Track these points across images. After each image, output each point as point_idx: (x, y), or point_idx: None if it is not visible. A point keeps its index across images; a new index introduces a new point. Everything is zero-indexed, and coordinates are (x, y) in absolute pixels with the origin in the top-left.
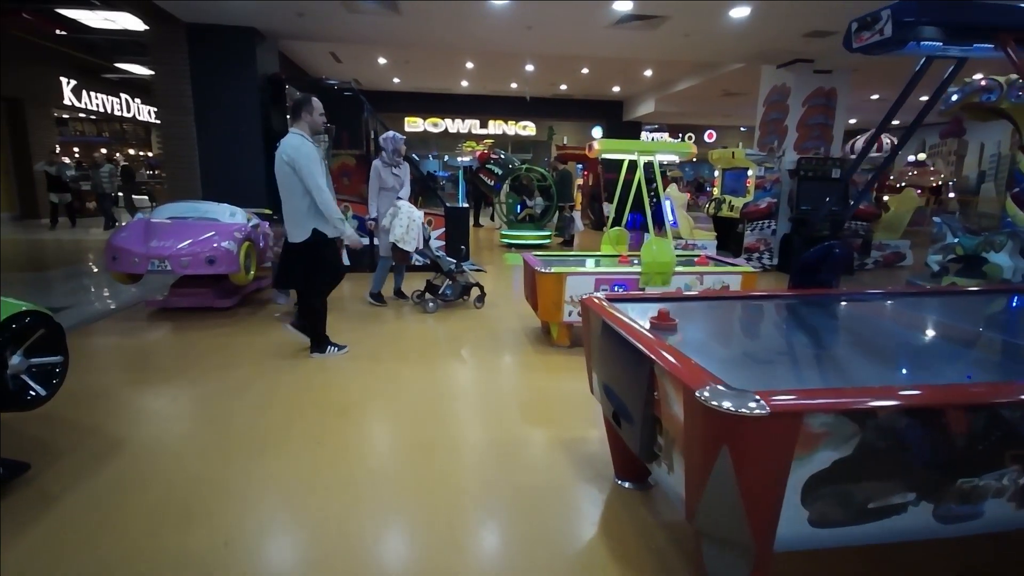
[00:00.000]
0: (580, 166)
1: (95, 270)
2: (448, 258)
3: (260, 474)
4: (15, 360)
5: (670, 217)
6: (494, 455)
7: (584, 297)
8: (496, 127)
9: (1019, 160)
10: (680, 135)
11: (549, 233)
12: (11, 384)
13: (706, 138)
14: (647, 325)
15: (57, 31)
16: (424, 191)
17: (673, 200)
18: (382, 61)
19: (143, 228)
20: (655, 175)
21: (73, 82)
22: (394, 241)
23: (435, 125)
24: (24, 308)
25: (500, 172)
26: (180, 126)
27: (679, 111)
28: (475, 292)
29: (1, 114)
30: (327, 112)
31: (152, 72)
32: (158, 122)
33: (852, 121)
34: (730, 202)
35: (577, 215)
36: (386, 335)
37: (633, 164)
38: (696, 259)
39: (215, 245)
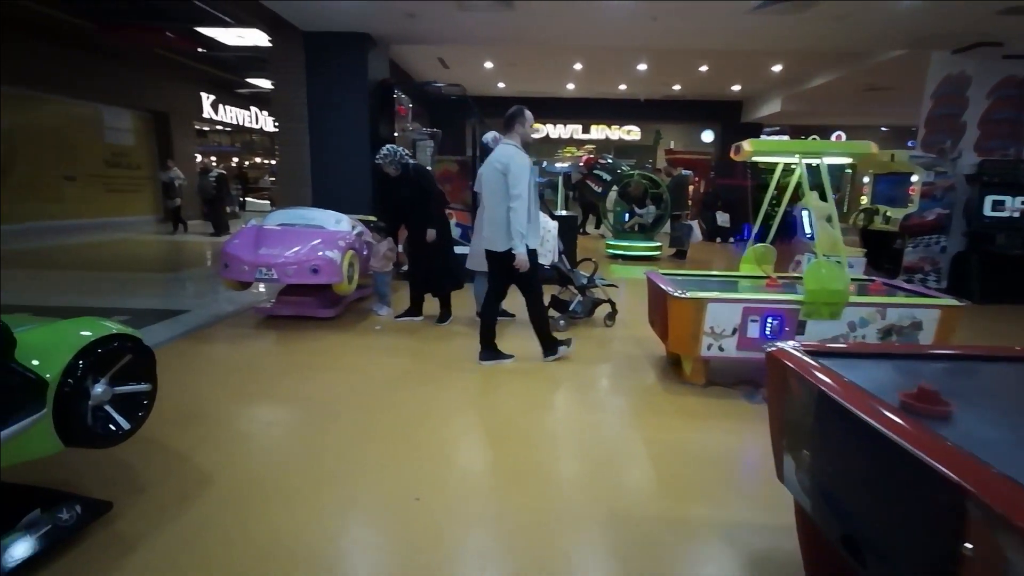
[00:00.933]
0: (688, 172)
1: (207, 275)
2: (581, 272)
3: (370, 515)
4: (98, 389)
5: (807, 229)
6: (620, 544)
7: (774, 349)
8: (599, 132)
9: None
10: (803, 136)
11: (659, 244)
12: (91, 418)
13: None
14: (896, 405)
15: (198, 49)
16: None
17: (813, 210)
18: (488, 65)
19: (254, 235)
20: (823, 182)
21: (211, 97)
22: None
23: (536, 130)
24: (113, 331)
25: (608, 178)
26: (294, 133)
27: (809, 110)
28: (604, 309)
29: (151, 127)
30: (433, 116)
31: (272, 83)
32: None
33: None
34: (885, 213)
35: (695, 224)
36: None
37: (787, 170)
38: (869, 285)
39: (319, 254)
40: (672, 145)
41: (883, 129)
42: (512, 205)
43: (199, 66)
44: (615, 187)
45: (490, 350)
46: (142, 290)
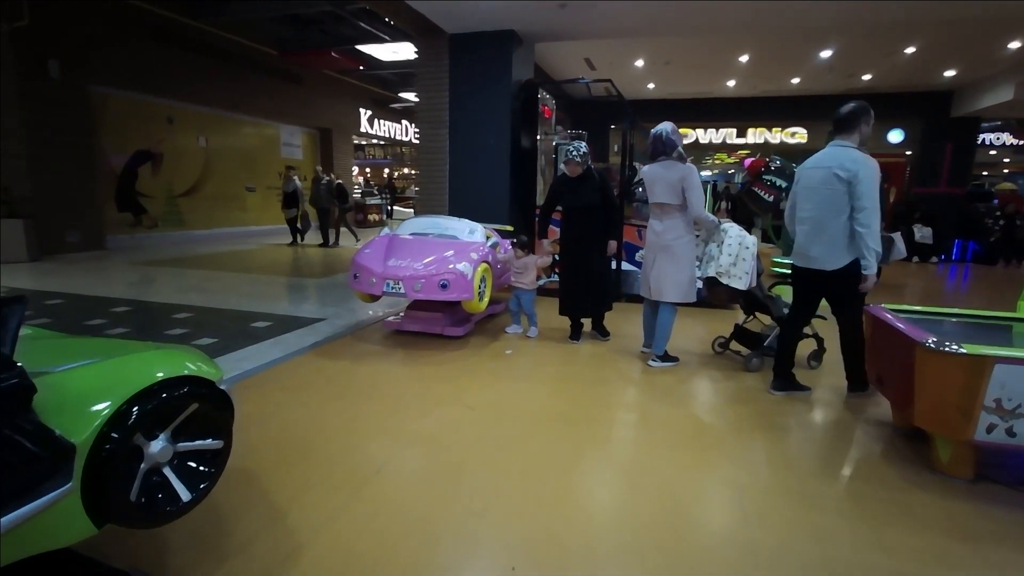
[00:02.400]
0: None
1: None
2: (781, 299)
3: None
4: (155, 448)
5: None
6: None
7: None
8: (756, 135)
9: None
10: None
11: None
12: (139, 487)
13: None
14: None
15: (359, 67)
16: None
17: None
18: (639, 64)
19: (385, 245)
20: None
21: (368, 112)
22: (716, 274)
23: (685, 136)
24: (185, 371)
25: (784, 184)
26: (434, 139)
27: None
28: (807, 345)
29: (316, 141)
30: (576, 119)
31: (417, 92)
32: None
33: None
34: None
35: (898, 237)
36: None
37: None
38: None
39: (450, 267)
40: None
41: None
42: (862, 219)
43: (359, 83)
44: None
45: (786, 379)
46: (290, 295)
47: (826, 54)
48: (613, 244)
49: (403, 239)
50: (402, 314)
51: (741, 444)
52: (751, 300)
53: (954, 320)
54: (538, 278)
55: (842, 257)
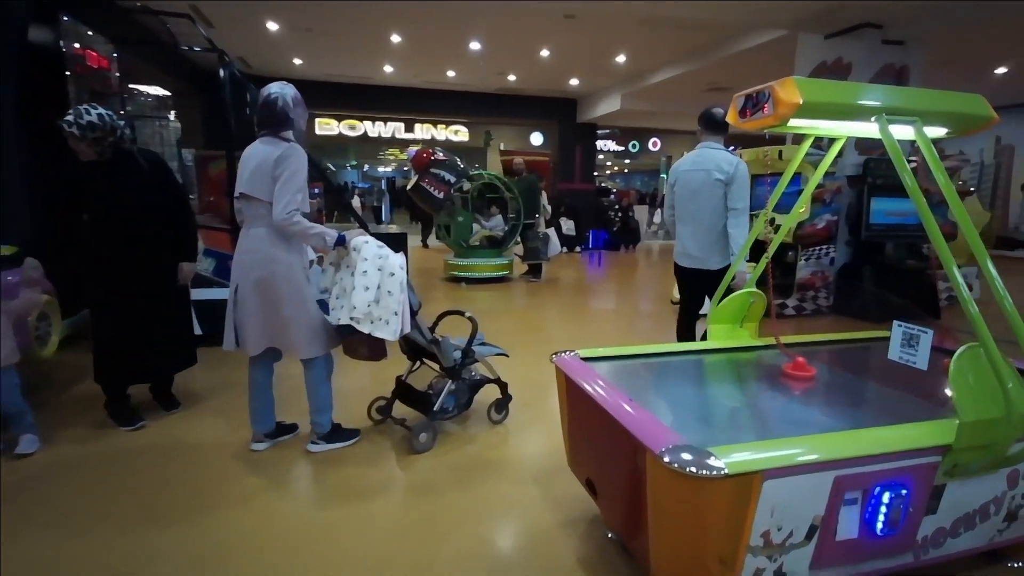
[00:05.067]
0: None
1: None
2: (452, 342)
3: None
4: None
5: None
6: None
7: None
8: (424, 131)
9: None
10: (626, 145)
11: (509, 261)
12: None
13: (651, 146)
14: None
15: None
16: (339, 206)
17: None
18: (272, 27)
19: None
20: (932, 161)
21: None
22: (351, 321)
23: (352, 128)
24: None
25: (452, 179)
26: None
27: (650, 110)
28: (490, 392)
29: None
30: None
31: None
32: None
33: None
34: (773, 220)
35: (553, 232)
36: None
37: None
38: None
39: None
40: (503, 147)
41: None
42: (735, 219)
43: None
44: (461, 191)
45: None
46: None
47: (475, 46)
48: (188, 268)
49: None
50: None
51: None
52: (412, 345)
53: (653, 359)
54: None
55: (725, 256)
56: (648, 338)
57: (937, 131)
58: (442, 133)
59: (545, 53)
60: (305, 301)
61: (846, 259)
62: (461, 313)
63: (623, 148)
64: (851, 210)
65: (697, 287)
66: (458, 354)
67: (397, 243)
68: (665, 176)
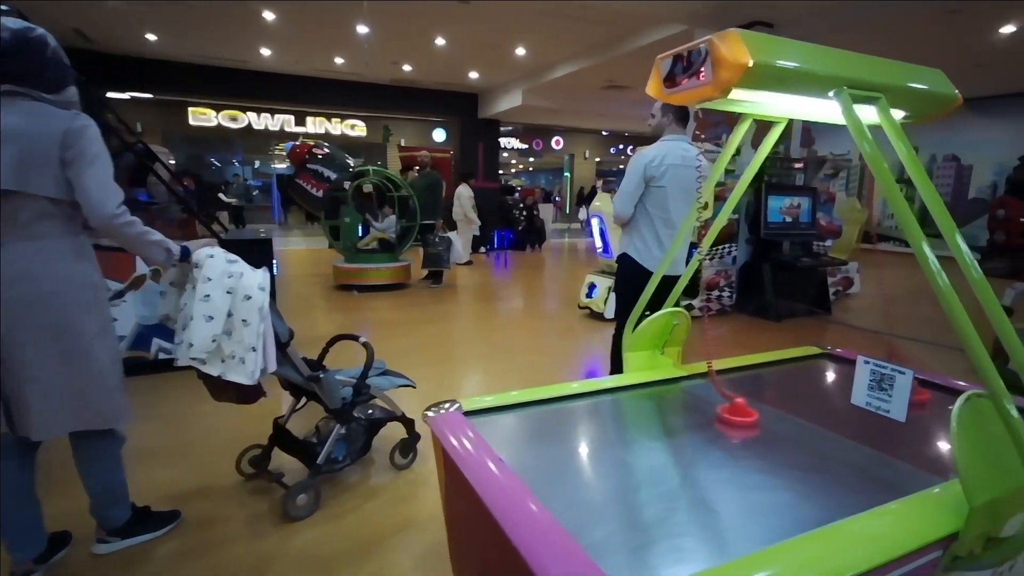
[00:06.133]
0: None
1: None
2: (341, 376)
3: None
4: None
5: (599, 242)
6: None
7: None
8: (317, 124)
9: None
10: (530, 143)
11: (407, 265)
12: None
13: (554, 144)
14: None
15: None
16: (200, 208)
17: (604, 215)
18: None
19: None
20: (906, 156)
21: None
22: (192, 361)
23: (234, 119)
24: None
25: (333, 176)
26: None
27: (551, 107)
28: (394, 432)
29: None
30: None
31: None
32: None
33: None
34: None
35: (456, 236)
36: None
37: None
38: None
39: None
40: (403, 143)
41: (604, 133)
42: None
43: None
44: (344, 188)
45: None
46: None
47: (362, 29)
48: None
49: None
50: None
51: None
52: (293, 386)
53: (557, 407)
54: None
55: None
56: (563, 349)
57: (895, 115)
58: (337, 127)
59: (441, 42)
60: (114, 340)
61: (747, 257)
62: (355, 338)
63: (527, 146)
64: (750, 208)
65: (663, 298)
66: (348, 391)
67: (260, 254)
68: (569, 174)
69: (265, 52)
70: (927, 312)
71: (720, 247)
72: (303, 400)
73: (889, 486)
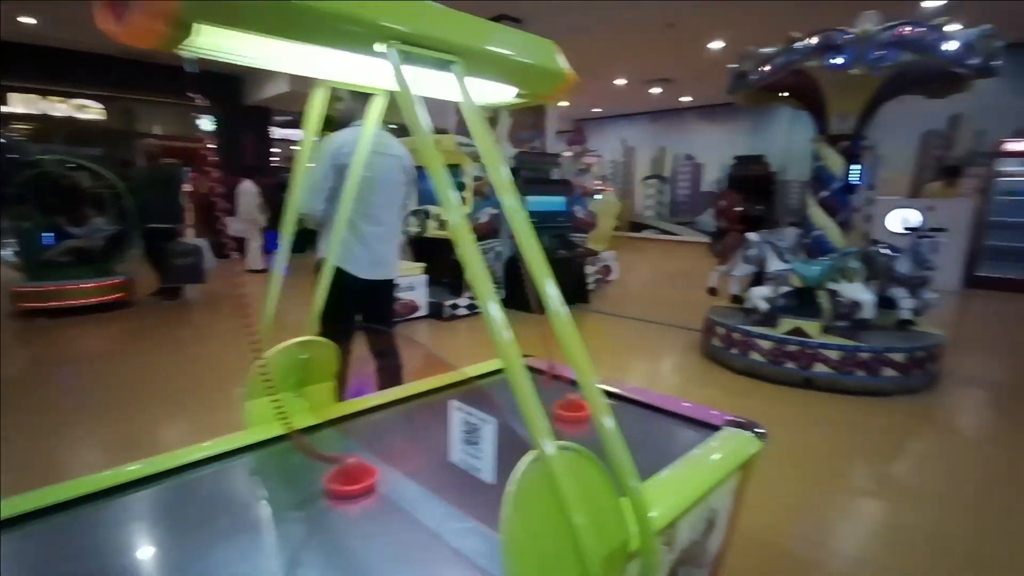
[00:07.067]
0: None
1: None
2: None
3: None
4: None
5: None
6: None
7: None
8: (28, 104)
9: (825, 155)
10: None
11: (124, 279)
12: None
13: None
14: None
15: None
16: None
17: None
18: None
19: None
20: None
21: None
22: None
23: None
24: None
25: None
26: None
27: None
28: None
29: None
30: None
31: None
32: None
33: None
34: (438, 216)
35: (205, 244)
36: None
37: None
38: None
39: None
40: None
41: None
42: (399, 219)
43: None
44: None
45: None
46: None
47: None
48: None
49: None
50: None
51: None
52: None
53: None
54: None
55: (395, 266)
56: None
57: (499, 90)
58: (61, 108)
59: None
60: None
61: (510, 252)
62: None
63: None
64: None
65: (373, 308)
66: None
67: None
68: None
69: None
70: (673, 295)
71: (482, 243)
72: None
73: None
